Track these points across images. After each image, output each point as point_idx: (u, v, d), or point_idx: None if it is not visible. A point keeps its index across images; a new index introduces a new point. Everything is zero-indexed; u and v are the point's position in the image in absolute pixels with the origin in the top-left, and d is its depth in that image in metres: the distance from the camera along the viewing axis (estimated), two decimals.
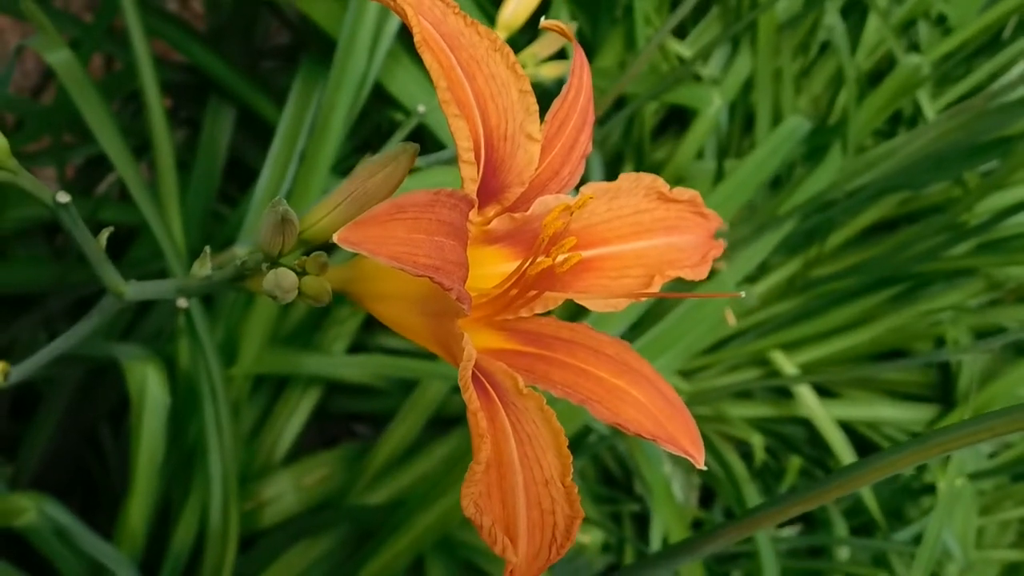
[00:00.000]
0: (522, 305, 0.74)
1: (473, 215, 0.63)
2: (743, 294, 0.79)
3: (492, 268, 0.74)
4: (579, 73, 0.74)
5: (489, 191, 0.70)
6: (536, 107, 0.69)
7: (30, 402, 2.19)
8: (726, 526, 0.83)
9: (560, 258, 0.70)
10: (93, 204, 2.19)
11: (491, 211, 0.72)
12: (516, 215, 0.72)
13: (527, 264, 0.70)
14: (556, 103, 0.74)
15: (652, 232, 0.79)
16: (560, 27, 0.72)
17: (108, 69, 2.73)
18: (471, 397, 0.58)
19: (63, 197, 0.69)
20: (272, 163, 1.89)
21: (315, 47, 1.96)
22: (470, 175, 0.62)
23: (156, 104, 1.91)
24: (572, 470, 0.62)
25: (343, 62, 1.77)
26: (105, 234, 0.75)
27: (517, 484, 0.60)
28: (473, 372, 0.62)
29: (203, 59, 2.21)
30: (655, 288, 0.76)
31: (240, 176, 2.37)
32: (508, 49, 0.67)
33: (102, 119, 1.70)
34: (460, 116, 0.60)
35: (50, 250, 2.34)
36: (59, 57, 1.68)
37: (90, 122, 1.69)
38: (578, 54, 0.75)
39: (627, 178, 0.79)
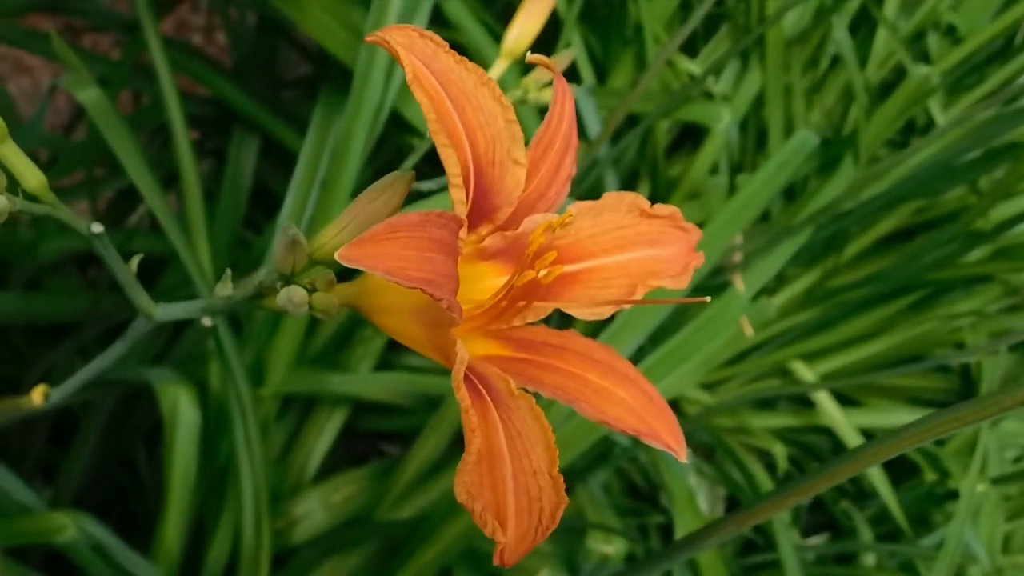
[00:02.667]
0: (513, 315, 0.80)
1: (465, 234, 0.69)
2: (708, 299, 0.83)
3: (487, 282, 0.80)
4: (560, 101, 0.80)
5: (481, 212, 0.75)
6: (521, 134, 0.75)
7: (68, 428, 2.26)
8: (732, 515, 0.88)
9: (543, 272, 0.76)
10: (125, 235, 2.26)
11: (484, 230, 0.78)
12: (507, 233, 0.78)
13: (515, 277, 0.76)
14: (540, 130, 0.80)
15: (635, 246, 0.84)
16: (544, 60, 0.78)
17: (136, 103, 2.82)
18: (463, 396, 0.64)
19: (97, 227, 0.76)
20: (295, 190, 1.95)
21: (334, 77, 2.02)
22: (459, 197, 0.68)
23: (182, 136, 1.99)
24: (558, 462, 0.68)
25: (360, 91, 1.82)
26: (135, 260, 0.82)
27: (506, 474, 0.66)
28: (467, 375, 0.68)
29: (227, 92, 2.29)
30: (638, 297, 0.82)
31: (265, 203, 2.44)
32: (494, 83, 0.73)
33: (131, 153, 1.77)
34: (448, 145, 0.66)
35: (83, 280, 2.41)
36: (89, 95, 1.75)
37: (119, 156, 1.76)
38: (559, 83, 0.81)
39: (611, 196, 0.85)
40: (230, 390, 1.76)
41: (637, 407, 0.78)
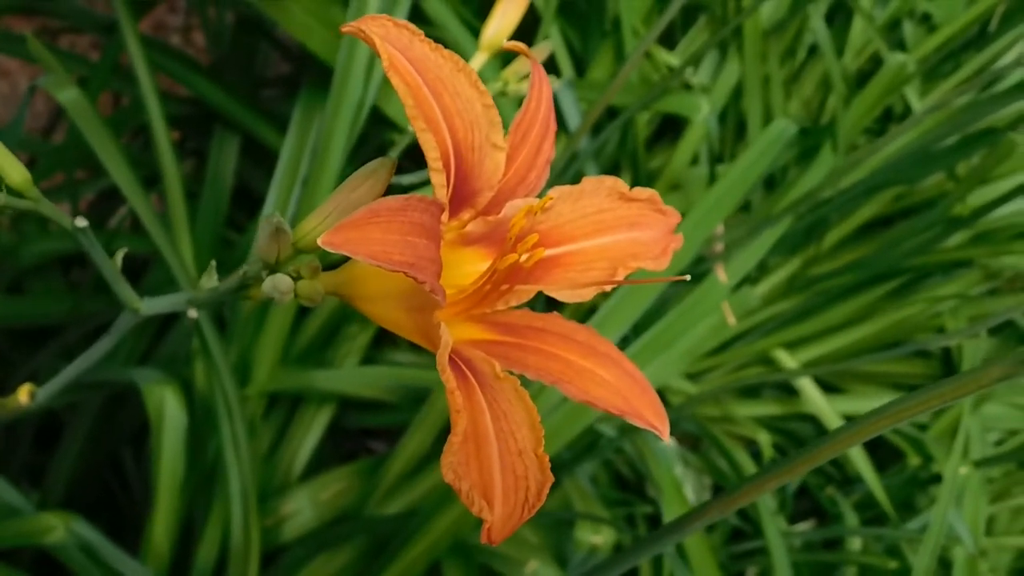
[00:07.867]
0: (496, 299, 0.81)
1: (447, 219, 0.70)
2: (688, 277, 0.85)
3: (471, 267, 0.81)
4: (538, 86, 0.82)
5: (462, 197, 0.76)
6: (499, 119, 0.76)
7: (53, 432, 2.26)
8: (717, 499, 0.89)
9: (525, 255, 0.77)
10: (106, 236, 2.26)
11: (466, 215, 0.79)
12: (489, 218, 0.79)
13: (497, 261, 0.77)
14: (519, 115, 0.81)
15: (615, 229, 0.86)
16: (520, 47, 0.79)
17: (116, 105, 2.81)
18: (448, 378, 0.65)
19: (81, 222, 0.76)
20: (277, 188, 1.95)
21: (314, 75, 2.02)
22: (439, 181, 0.69)
23: (163, 137, 1.99)
24: (543, 442, 0.69)
25: (340, 88, 1.83)
26: (120, 254, 0.82)
27: (492, 454, 0.67)
28: (453, 358, 0.69)
29: (207, 91, 2.29)
30: (619, 278, 0.83)
31: (247, 203, 2.44)
32: (471, 69, 0.74)
33: (113, 154, 1.77)
34: (427, 130, 0.67)
35: (66, 283, 2.41)
36: (69, 95, 1.75)
37: (102, 157, 1.76)
38: (536, 69, 0.82)
39: (590, 181, 0.86)
40: (216, 389, 1.76)
41: (620, 387, 0.79)
